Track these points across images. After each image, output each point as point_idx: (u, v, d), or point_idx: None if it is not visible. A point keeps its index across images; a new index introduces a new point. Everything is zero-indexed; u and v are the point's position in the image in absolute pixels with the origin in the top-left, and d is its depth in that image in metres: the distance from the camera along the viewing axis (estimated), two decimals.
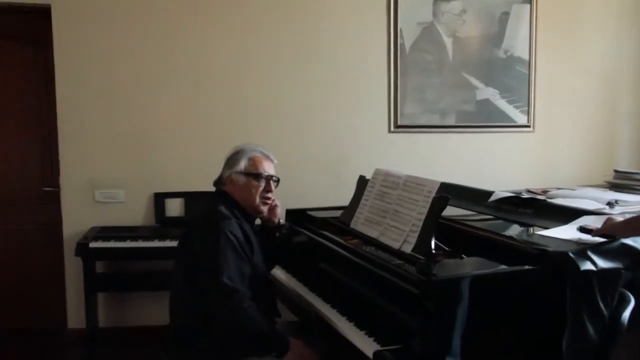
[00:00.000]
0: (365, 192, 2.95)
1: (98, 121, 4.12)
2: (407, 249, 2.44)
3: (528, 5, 4.70)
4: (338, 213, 3.17)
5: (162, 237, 3.85)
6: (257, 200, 2.59)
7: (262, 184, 2.60)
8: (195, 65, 4.22)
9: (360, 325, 2.29)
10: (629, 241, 2.29)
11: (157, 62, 4.17)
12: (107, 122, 4.13)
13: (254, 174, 2.58)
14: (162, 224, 4.14)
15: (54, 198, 4.22)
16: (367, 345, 2.14)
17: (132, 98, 4.16)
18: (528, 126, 4.80)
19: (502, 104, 4.73)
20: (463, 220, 2.84)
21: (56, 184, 4.19)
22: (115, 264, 4.17)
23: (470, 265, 2.29)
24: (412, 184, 2.62)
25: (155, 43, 4.16)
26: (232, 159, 2.63)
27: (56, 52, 4.03)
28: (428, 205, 2.45)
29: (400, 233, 2.52)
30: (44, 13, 4.02)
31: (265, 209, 2.66)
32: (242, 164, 2.59)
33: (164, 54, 4.18)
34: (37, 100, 4.25)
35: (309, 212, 3.36)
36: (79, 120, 4.09)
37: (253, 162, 2.60)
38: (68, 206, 4.13)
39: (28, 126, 4.27)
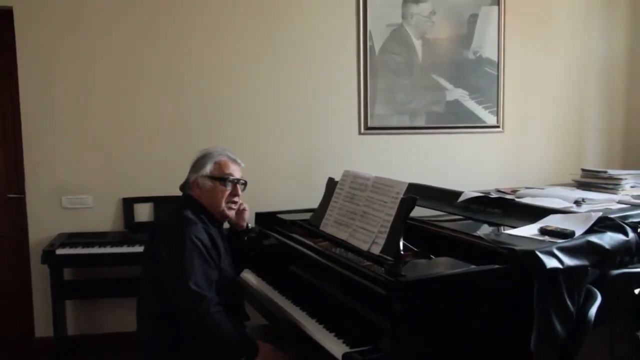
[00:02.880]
0: (335, 194, 2.95)
1: (64, 126, 4.05)
2: (376, 250, 2.44)
3: (496, 7, 4.74)
4: (308, 215, 3.16)
5: (131, 243, 3.79)
6: (223, 204, 2.57)
7: (229, 188, 2.57)
8: (162, 69, 4.17)
9: (329, 328, 2.29)
10: (594, 238, 2.32)
11: (124, 66, 4.12)
12: (73, 127, 4.07)
13: (219, 178, 2.55)
14: (131, 230, 4.08)
15: (20, 204, 4.14)
16: (336, 347, 2.13)
17: (99, 102, 4.10)
18: (497, 126, 4.83)
19: (472, 105, 4.76)
20: (432, 220, 2.85)
21: (21, 190, 4.11)
22: (83, 271, 4.10)
23: (438, 266, 2.29)
24: (380, 185, 2.62)
25: (122, 46, 4.11)
26: (198, 163, 2.60)
27: (19, 55, 3.95)
28: (396, 206, 2.46)
29: (369, 234, 2.52)
30: (6, 15, 3.95)
31: (231, 213, 2.64)
32: (208, 168, 2.56)
33: (131, 57, 4.12)
34: (0, 104, 4.17)
35: (279, 215, 3.34)
36: (43, 125, 4.02)
37: (219, 165, 2.57)
38: (34, 213, 4.05)
39: None
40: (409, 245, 2.42)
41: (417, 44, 4.61)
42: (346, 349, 2.08)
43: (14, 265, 4.22)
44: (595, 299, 2.27)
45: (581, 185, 3.85)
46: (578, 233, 2.36)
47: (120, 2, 4.09)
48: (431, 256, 2.35)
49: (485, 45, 4.75)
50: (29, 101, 3.99)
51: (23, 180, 4.07)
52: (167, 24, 4.16)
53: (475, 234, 2.50)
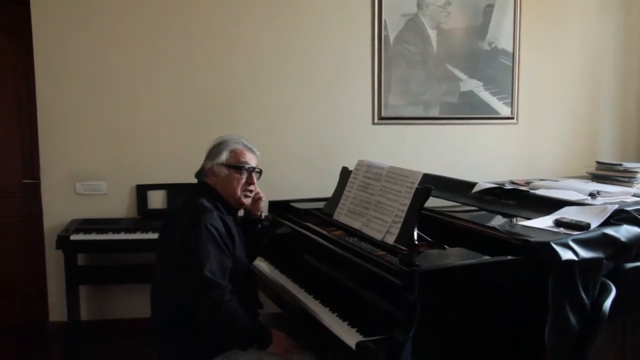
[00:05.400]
0: (349, 184, 2.94)
1: (79, 112, 4.07)
2: (390, 240, 2.44)
3: None
4: (321, 204, 3.16)
5: (144, 230, 3.82)
6: (239, 192, 2.57)
7: (244, 176, 2.57)
8: (177, 58, 4.18)
9: (343, 316, 2.29)
10: (610, 231, 2.31)
11: (139, 54, 4.13)
12: (88, 114, 4.08)
13: (235, 166, 2.55)
14: (145, 216, 4.10)
15: (35, 190, 4.17)
16: (349, 335, 2.13)
17: (114, 89, 4.11)
18: (512, 118, 4.81)
19: (486, 96, 4.74)
20: (446, 211, 2.84)
21: (37, 176, 4.14)
22: (97, 257, 4.13)
23: (452, 256, 2.28)
24: (394, 175, 2.62)
25: (137, 35, 4.11)
26: (214, 151, 2.60)
27: (36, 44, 3.97)
28: (411, 196, 2.45)
29: (383, 224, 2.52)
30: (23, 4, 3.96)
31: (247, 201, 2.64)
32: (224, 156, 2.56)
33: (146, 47, 4.13)
34: (17, 92, 4.20)
35: (292, 204, 3.34)
36: (59, 111, 4.04)
37: (235, 153, 2.57)
38: (49, 198, 4.08)
39: (8, 118, 4.21)
40: (423, 235, 2.42)
41: (432, 34, 4.59)
42: (360, 338, 2.09)
43: (28, 250, 4.26)
44: (610, 292, 2.26)
45: (596, 178, 3.84)
46: (594, 225, 2.35)
47: None
48: (445, 246, 2.35)
49: (501, 36, 4.72)
50: (46, 89, 4.01)
51: (38, 166, 4.09)
52: (182, 14, 4.16)
53: (489, 224, 2.50)
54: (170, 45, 4.16)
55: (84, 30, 4.04)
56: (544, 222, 2.47)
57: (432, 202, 2.75)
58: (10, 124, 4.21)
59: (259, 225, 2.87)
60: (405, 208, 2.45)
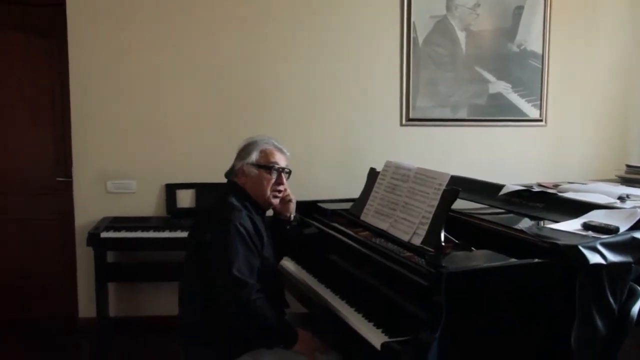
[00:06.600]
0: (376, 185, 2.95)
1: (110, 112, 4.15)
2: (417, 241, 2.44)
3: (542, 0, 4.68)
4: (348, 205, 3.17)
5: (173, 228, 3.87)
6: (269, 192, 2.59)
7: (274, 176, 2.59)
8: (207, 57, 4.23)
9: (368, 317, 2.30)
10: (639, 235, 2.28)
11: (170, 53, 4.19)
12: (119, 113, 4.16)
13: (265, 166, 2.58)
14: (173, 215, 4.16)
15: (67, 188, 4.25)
16: (375, 336, 2.15)
17: (145, 89, 4.18)
18: (540, 120, 4.77)
19: (515, 98, 4.71)
20: (473, 213, 2.83)
21: (69, 175, 4.22)
22: (126, 254, 4.20)
23: (479, 258, 2.29)
24: (422, 176, 2.62)
25: (168, 34, 4.18)
26: (244, 151, 2.62)
27: (70, 44, 4.05)
28: (438, 197, 2.45)
29: (410, 225, 2.52)
30: (59, 5, 4.05)
31: (276, 201, 2.66)
32: (254, 156, 2.58)
33: (176, 45, 4.19)
34: (50, 92, 4.29)
35: (320, 204, 3.35)
36: (91, 111, 4.12)
37: (265, 154, 2.59)
38: (80, 196, 4.17)
39: (42, 117, 4.31)
40: (450, 237, 2.42)
41: (461, 35, 4.57)
42: (385, 339, 2.10)
43: (60, 247, 4.35)
44: (638, 297, 2.25)
45: (625, 181, 3.78)
46: (623, 229, 2.33)
47: None
48: (472, 248, 2.35)
49: (530, 37, 4.68)
50: (79, 88, 4.10)
51: (71, 165, 4.18)
52: (213, 15, 4.21)
53: (516, 227, 2.49)
54: (200, 45, 4.22)
55: (117, 30, 4.11)
56: (572, 225, 2.45)
57: (460, 204, 2.74)
58: (45, 123, 4.31)
59: (288, 227, 2.88)
60: (433, 209, 2.45)
